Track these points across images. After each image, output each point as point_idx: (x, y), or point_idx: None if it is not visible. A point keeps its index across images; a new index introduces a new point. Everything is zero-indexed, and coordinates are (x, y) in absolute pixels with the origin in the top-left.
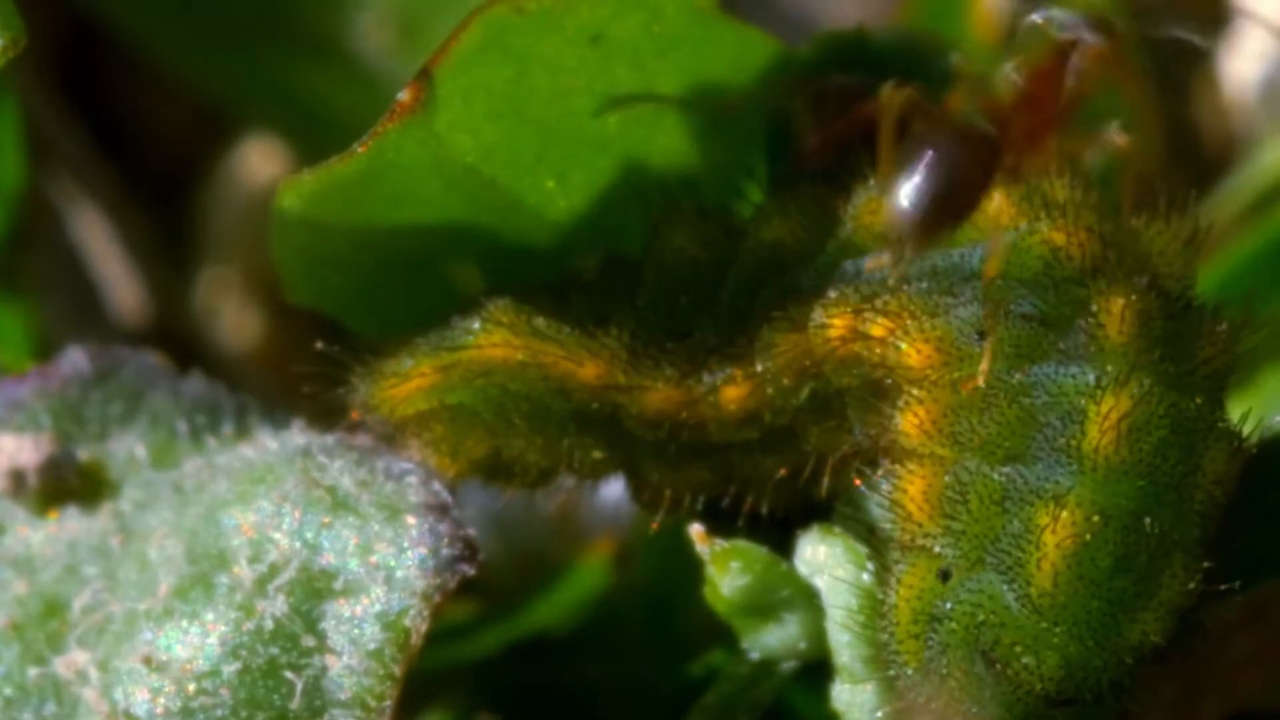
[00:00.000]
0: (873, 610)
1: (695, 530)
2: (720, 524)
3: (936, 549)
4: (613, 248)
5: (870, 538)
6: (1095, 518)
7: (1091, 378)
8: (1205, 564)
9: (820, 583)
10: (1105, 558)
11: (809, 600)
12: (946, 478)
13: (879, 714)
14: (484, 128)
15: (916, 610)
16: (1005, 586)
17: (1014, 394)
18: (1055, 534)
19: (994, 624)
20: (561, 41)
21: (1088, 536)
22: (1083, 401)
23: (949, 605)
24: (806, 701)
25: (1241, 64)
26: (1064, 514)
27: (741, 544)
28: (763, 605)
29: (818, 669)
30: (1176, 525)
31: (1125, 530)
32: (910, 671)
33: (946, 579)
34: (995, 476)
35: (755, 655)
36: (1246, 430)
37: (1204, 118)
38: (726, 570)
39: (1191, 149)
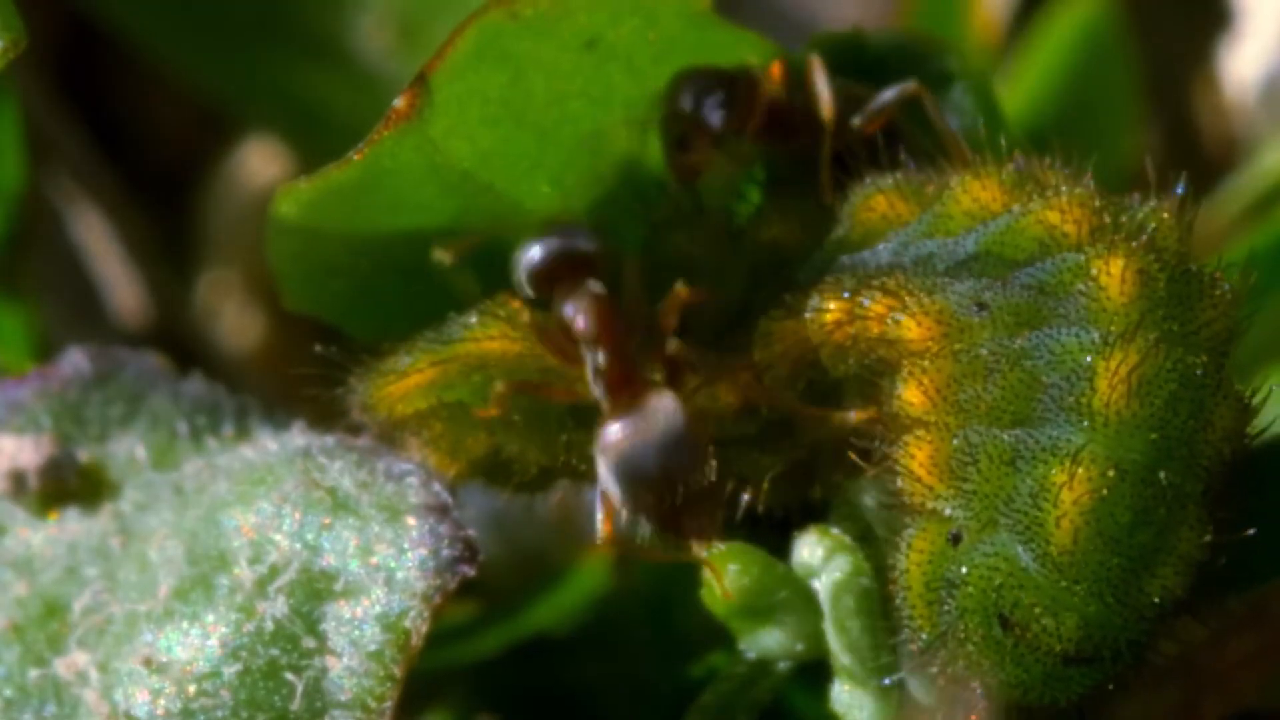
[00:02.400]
0: (871, 610)
1: None
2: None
3: (947, 511)
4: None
5: (869, 534)
6: (1111, 472)
7: (1096, 335)
8: (1218, 516)
9: (818, 584)
10: (1125, 512)
11: (806, 601)
12: (954, 441)
13: (878, 714)
14: (480, 133)
15: (929, 575)
16: (1021, 548)
17: (1016, 358)
18: (1073, 490)
19: (1012, 586)
20: (557, 47)
21: (1105, 491)
22: (1089, 358)
23: (964, 570)
24: (806, 702)
25: (1242, 65)
26: (1080, 470)
27: (739, 546)
28: (760, 607)
29: (818, 669)
30: (1187, 479)
31: (1142, 484)
32: (925, 637)
33: (958, 542)
34: (1004, 438)
35: (753, 656)
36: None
37: (1204, 119)
38: (724, 572)
39: (1192, 150)
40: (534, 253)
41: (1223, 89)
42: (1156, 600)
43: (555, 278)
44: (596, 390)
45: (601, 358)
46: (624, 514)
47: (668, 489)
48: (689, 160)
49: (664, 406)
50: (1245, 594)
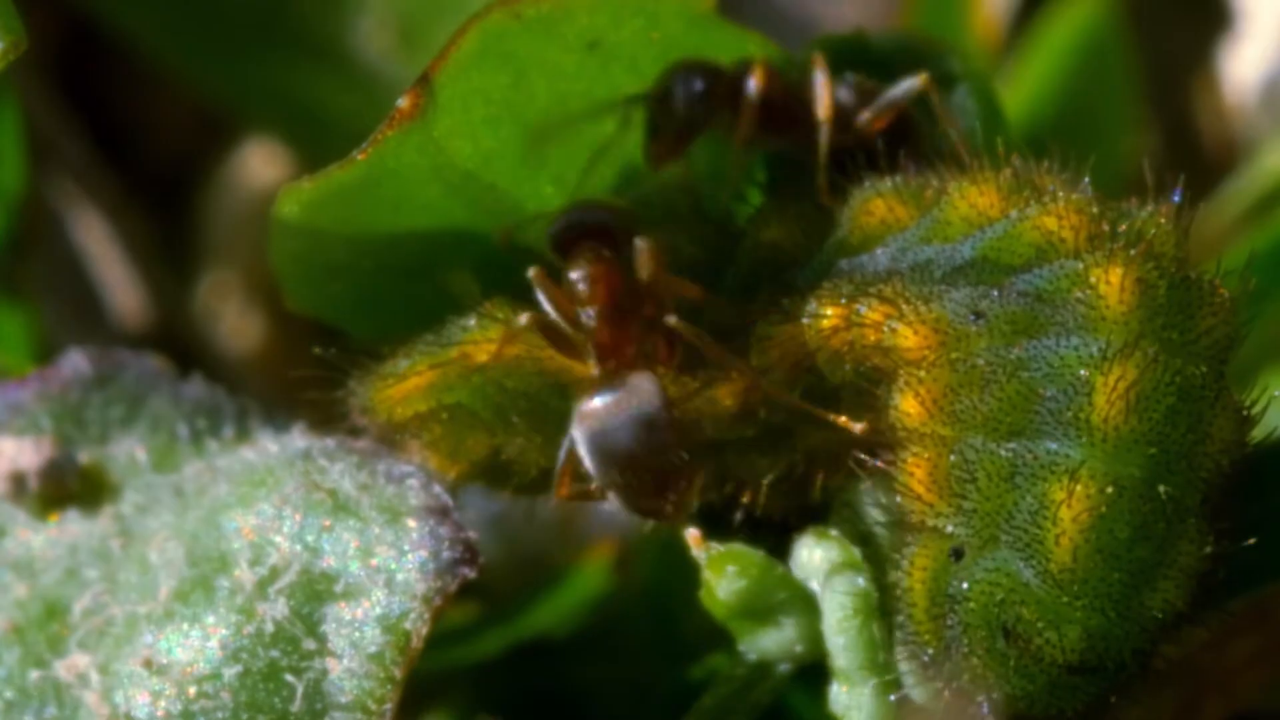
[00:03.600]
0: (869, 612)
1: (691, 534)
2: (718, 527)
3: (949, 529)
4: None
5: (868, 536)
6: (1110, 489)
7: (1095, 349)
8: (1218, 526)
9: (816, 586)
10: (1123, 528)
11: (806, 603)
12: (952, 457)
13: (876, 716)
14: (483, 134)
15: (932, 592)
16: (1022, 564)
17: (1013, 368)
18: (1071, 508)
19: (1014, 601)
20: (559, 48)
21: (1104, 509)
22: (1087, 372)
23: (966, 585)
24: (806, 704)
25: (1242, 67)
26: (1078, 488)
27: (738, 548)
28: (759, 609)
29: (818, 671)
30: (1186, 493)
31: (1140, 499)
32: (931, 653)
33: (960, 558)
34: (1001, 453)
35: (752, 658)
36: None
37: (1204, 121)
38: (723, 574)
39: (1192, 152)
40: (557, 222)
41: (1223, 91)
42: (1158, 614)
43: (571, 245)
44: (589, 355)
45: (594, 319)
46: (593, 484)
47: (635, 467)
48: (656, 146)
49: (642, 387)
50: (1246, 596)
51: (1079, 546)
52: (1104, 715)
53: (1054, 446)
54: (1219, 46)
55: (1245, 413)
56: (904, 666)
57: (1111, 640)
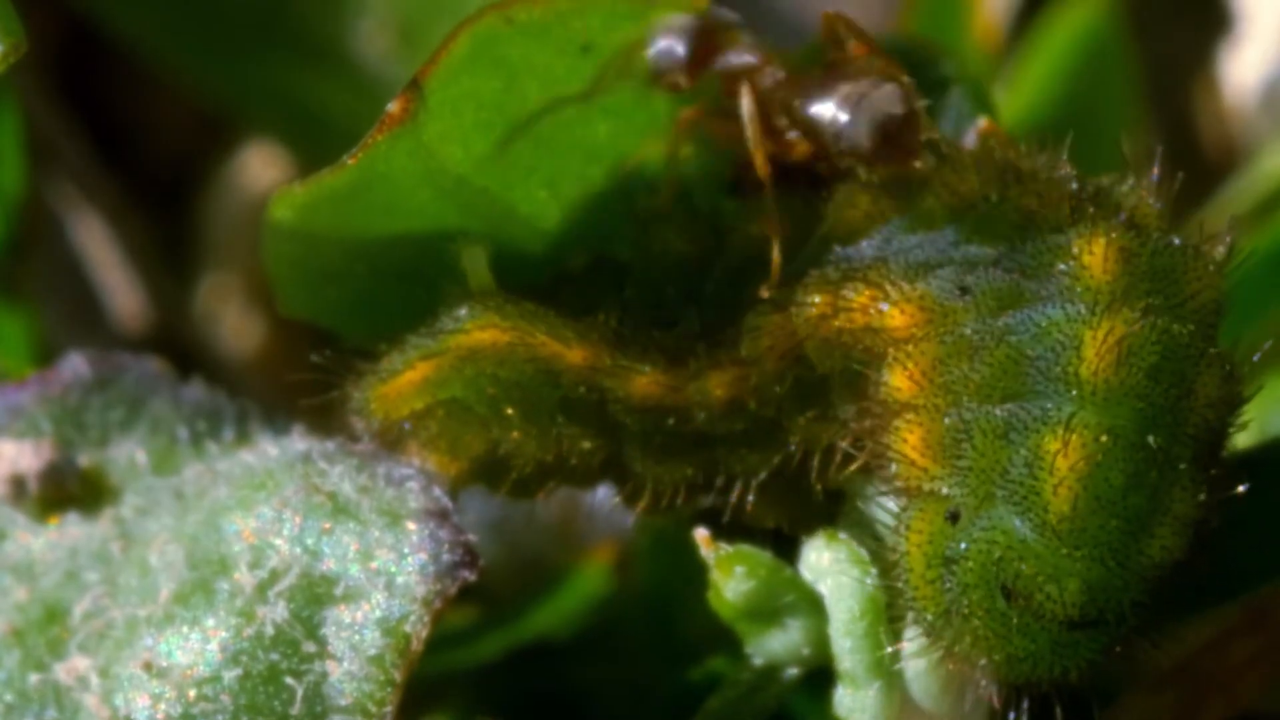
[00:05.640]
0: (876, 615)
1: (700, 535)
2: (720, 529)
3: (944, 490)
4: (604, 254)
5: (877, 538)
6: (1104, 437)
7: (1082, 308)
8: (1211, 475)
9: (824, 588)
10: (1118, 476)
11: (813, 606)
12: (945, 420)
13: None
14: (474, 138)
15: (929, 555)
16: (1019, 519)
17: (1000, 335)
18: (1068, 457)
19: (1012, 558)
20: (551, 51)
21: (1100, 456)
22: (1076, 328)
23: (963, 546)
24: (810, 707)
25: (1242, 70)
26: (1074, 437)
27: (746, 549)
28: (767, 610)
29: (821, 675)
30: (1174, 445)
31: (1132, 448)
32: (930, 617)
33: (956, 520)
34: (996, 413)
35: (759, 660)
36: (1246, 437)
37: (1204, 123)
38: (731, 575)
39: (1192, 154)
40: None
41: (1223, 93)
42: (1157, 562)
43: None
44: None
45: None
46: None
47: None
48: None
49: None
50: (1246, 597)
51: (1078, 495)
52: (1101, 708)
53: (1046, 403)
54: (1219, 48)
55: (1231, 370)
56: (908, 665)
57: (1112, 591)
